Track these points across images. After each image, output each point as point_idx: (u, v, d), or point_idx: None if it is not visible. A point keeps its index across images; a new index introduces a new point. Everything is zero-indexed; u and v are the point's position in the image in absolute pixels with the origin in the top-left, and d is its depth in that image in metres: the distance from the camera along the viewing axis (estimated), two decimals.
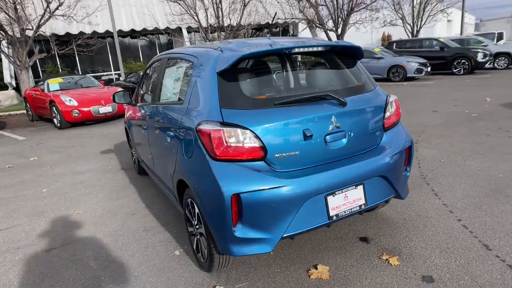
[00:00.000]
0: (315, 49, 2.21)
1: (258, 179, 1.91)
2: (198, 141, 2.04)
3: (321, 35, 18.84)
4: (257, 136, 1.95)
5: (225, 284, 2.22)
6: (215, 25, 14.58)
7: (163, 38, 22.01)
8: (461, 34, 21.05)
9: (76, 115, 8.54)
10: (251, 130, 1.95)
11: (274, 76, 2.28)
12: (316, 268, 2.29)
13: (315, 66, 2.35)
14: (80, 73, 17.66)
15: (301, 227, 2.01)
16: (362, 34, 19.82)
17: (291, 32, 24.17)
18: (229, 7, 14.67)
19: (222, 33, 14.51)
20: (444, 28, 29.79)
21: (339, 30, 16.26)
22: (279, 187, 1.91)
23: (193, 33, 21.05)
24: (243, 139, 1.94)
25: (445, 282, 2.08)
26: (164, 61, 3.02)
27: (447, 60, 13.60)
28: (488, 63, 13.39)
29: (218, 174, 1.91)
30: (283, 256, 2.49)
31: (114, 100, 3.80)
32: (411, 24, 17.96)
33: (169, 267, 2.47)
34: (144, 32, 20.59)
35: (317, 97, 2.14)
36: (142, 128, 3.33)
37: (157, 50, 22.04)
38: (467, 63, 13.26)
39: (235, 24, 14.59)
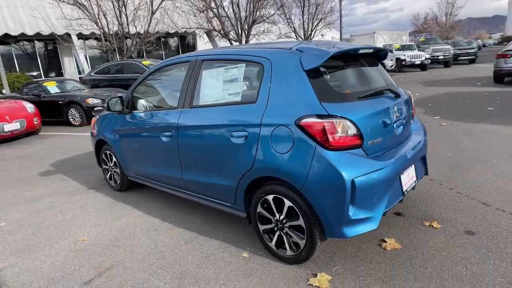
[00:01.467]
0: (371, 50, 2.56)
1: (365, 164, 2.13)
2: (303, 135, 2.13)
3: (222, 44, 19.47)
4: (356, 126, 2.17)
5: (322, 270, 2.33)
6: (119, 32, 13.61)
7: (40, 45, 19.26)
8: None
9: None
10: (352, 121, 2.15)
11: (348, 73, 2.52)
12: (385, 241, 2.60)
13: (365, 65, 2.68)
14: None
15: (391, 203, 2.30)
16: None
17: (187, 41, 24.18)
18: (133, 14, 13.91)
19: (128, 40, 13.66)
20: None
21: (243, 41, 17.13)
22: (381, 169, 2.16)
23: (83, 40, 19.05)
24: (348, 128, 2.13)
25: (483, 232, 2.64)
26: (195, 64, 2.90)
27: None
28: None
29: (336, 163, 2.05)
30: (344, 239, 2.71)
31: (108, 108, 3.38)
32: (302, 37, 20.19)
33: (251, 269, 2.43)
34: (20, 38, 17.67)
35: (383, 91, 2.49)
36: (162, 136, 3.07)
37: (38, 58, 19.16)
38: None
39: (142, 32, 13.89)
